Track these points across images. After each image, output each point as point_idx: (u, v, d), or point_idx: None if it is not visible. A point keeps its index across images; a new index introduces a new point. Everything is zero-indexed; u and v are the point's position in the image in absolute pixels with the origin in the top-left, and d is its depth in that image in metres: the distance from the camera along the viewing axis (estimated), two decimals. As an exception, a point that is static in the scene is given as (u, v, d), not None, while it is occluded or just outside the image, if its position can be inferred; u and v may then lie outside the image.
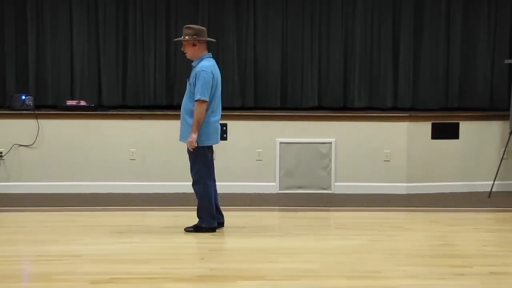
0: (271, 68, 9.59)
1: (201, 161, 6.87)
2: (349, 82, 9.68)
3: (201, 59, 6.86)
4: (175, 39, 7.37)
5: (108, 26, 9.42)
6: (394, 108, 9.66)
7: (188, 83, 6.88)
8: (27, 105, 9.00)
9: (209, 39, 7.01)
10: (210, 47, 7.15)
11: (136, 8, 9.41)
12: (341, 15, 9.62)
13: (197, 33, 6.86)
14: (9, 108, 9.10)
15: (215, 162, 7.08)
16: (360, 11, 9.61)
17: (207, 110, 6.76)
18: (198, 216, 7.00)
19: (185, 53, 6.96)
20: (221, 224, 7.08)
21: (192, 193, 7.06)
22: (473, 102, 9.74)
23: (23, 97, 9.02)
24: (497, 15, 9.70)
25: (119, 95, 9.52)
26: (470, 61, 9.73)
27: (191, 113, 6.78)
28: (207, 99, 6.73)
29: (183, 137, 6.92)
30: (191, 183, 6.97)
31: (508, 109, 9.15)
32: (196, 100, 6.72)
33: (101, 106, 9.38)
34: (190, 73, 6.94)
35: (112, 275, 5.59)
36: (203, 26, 7.18)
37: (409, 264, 6.04)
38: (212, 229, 6.95)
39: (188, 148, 6.87)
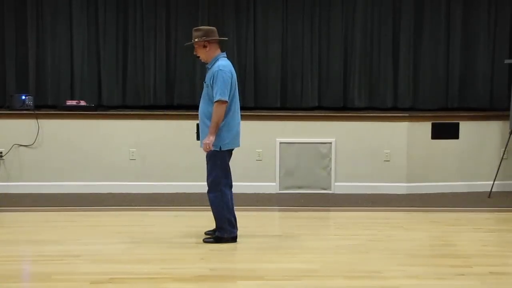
0: (271, 68, 9.59)
1: (220, 166, 6.55)
2: (349, 82, 9.68)
3: (216, 59, 6.59)
4: (186, 44, 7.14)
5: (108, 26, 9.42)
6: (394, 108, 9.66)
7: (205, 85, 6.58)
8: (27, 105, 9.00)
9: (220, 38, 6.74)
10: (223, 47, 6.93)
11: (136, 9, 9.42)
12: (341, 15, 9.62)
13: (206, 33, 6.58)
14: (9, 108, 9.10)
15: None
16: (360, 11, 9.61)
17: (228, 111, 6.50)
18: (217, 226, 6.66)
19: (198, 56, 6.70)
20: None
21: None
22: (473, 102, 9.74)
23: (23, 97, 9.02)
24: (497, 15, 9.70)
25: (119, 95, 9.52)
26: (470, 61, 9.73)
27: (210, 116, 6.47)
28: (227, 99, 6.45)
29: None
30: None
31: (508, 109, 9.15)
32: (215, 101, 6.43)
33: (101, 106, 9.39)
34: (205, 75, 6.66)
35: (112, 275, 5.59)
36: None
37: (409, 264, 6.04)
38: (233, 239, 6.63)
39: (206, 153, 6.56)
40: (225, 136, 6.52)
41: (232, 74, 6.57)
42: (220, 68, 6.50)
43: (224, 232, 6.62)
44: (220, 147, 6.51)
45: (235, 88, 6.63)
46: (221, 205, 6.57)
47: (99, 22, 9.41)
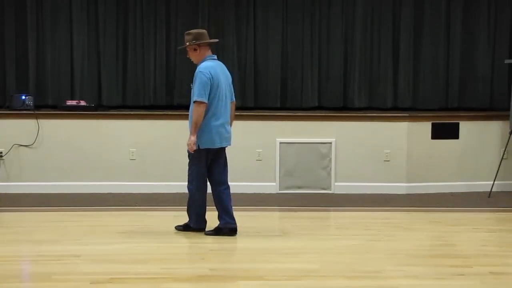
0: (271, 68, 9.59)
1: (196, 163, 6.74)
2: (349, 82, 9.68)
3: (202, 61, 6.73)
4: (179, 48, 7.28)
5: (108, 26, 9.41)
6: (394, 108, 9.66)
7: (191, 87, 6.76)
8: (27, 105, 9.00)
9: (209, 40, 6.83)
10: (214, 48, 7.04)
11: (136, 8, 9.41)
12: (341, 15, 9.62)
13: (195, 37, 6.73)
14: (9, 108, 9.10)
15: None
16: (360, 11, 9.61)
17: (207, 112, 6.61)
18: (188, 214, 6.95)
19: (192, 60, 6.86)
20: (233, 230, 6.86)
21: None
22: (473, 102, 9.74)
23: (23, 97, 9.02)
24: (497, 15, 9.70)
25: (119, 95, 9.52)
26: (470, 61, 9.73)
27: None
28: (204, 100, 6.56)
29: None
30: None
31: (508, 109, 9.15)
32: (193, 102, 6.60)
33: (101, 106, 9.38)
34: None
35: (112, 275, 5.59)
36: (202, 27, 7.11)
37: (409, 264, 6.04)
38: (199, 230, 6.86)
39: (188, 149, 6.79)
40: (200, 135, 6.64)
41: (212, 75, 6.64)
42: (200, 69, 6.66)
43: (191, 221, 6.93)
44: (198, 145, 6.66)
45: (217, 89, 6.67)
46: (192, 198, 6.83)
47: (99, 22, 9.40)
